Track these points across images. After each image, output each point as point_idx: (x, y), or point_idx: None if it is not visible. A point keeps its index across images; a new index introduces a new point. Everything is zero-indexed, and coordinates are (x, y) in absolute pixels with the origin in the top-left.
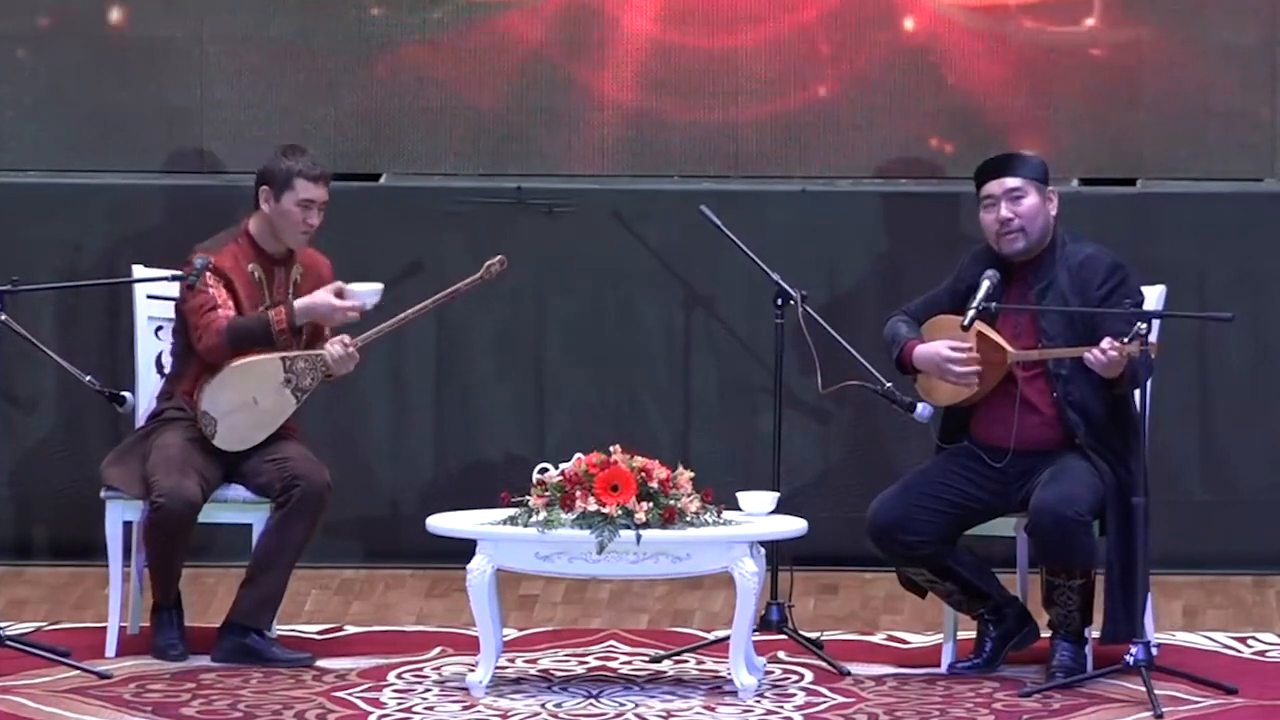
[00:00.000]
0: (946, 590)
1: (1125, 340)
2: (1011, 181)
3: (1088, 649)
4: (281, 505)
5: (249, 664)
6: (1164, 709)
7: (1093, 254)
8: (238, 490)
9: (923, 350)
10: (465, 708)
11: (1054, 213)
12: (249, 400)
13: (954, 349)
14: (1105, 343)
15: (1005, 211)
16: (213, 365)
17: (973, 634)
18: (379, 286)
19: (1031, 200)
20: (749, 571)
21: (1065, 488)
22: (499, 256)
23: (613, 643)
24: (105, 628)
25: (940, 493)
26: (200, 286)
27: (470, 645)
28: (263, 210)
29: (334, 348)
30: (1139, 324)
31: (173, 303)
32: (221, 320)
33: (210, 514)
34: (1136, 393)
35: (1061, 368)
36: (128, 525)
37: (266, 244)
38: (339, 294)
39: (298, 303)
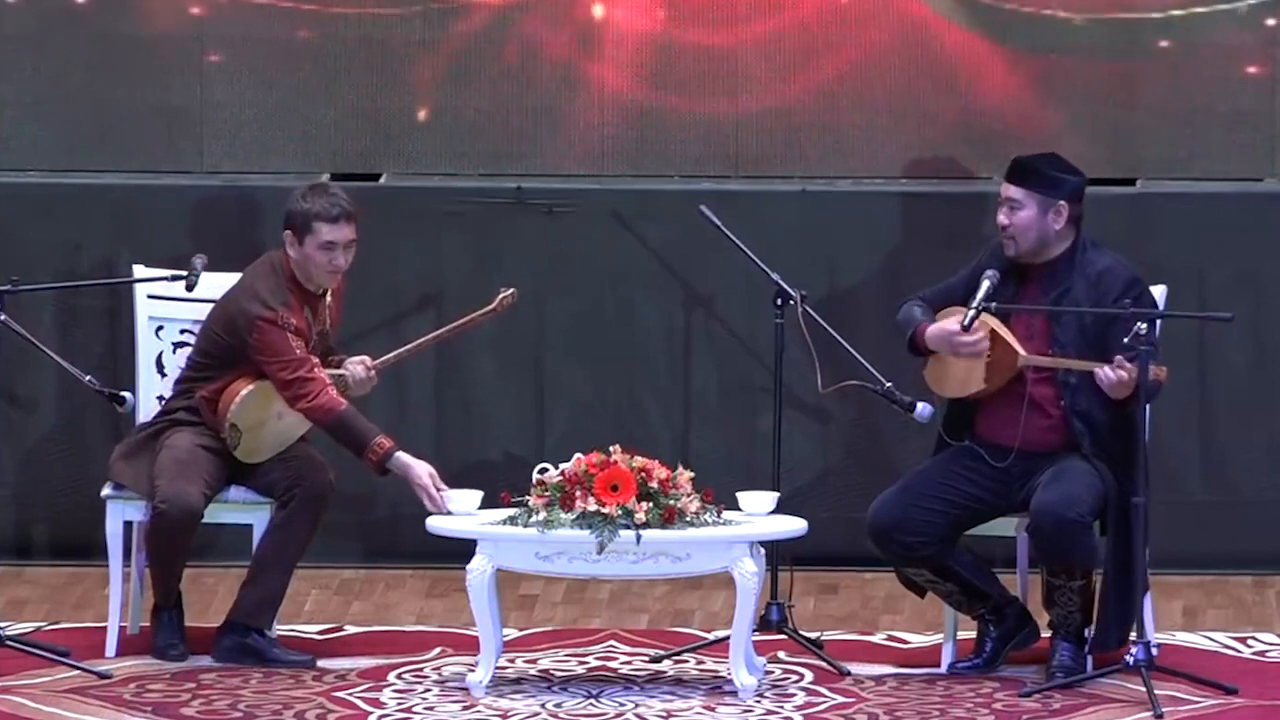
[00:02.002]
0: (946, 590)
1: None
2: (1013, 191)
3: (1087, 649)
4: (285, 504)
5: (249, 663)
6: (1164, 709)
7: (1110, 266)
8: (239, 491)
9: (934, 329)
10: (465, 708)
11: (1057, 226)
12: (273, 414)
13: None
14: (1117, 360)
15: (1002, 217)
16: (246, 377)
17: (973, 634)
18: (477, 498)
19: (1026, 213)
20: (749, 571)
21: (1066, 489)
22: (511, 290)
23: (613, 643)
24: (105, 628)
25: (940, 493)
26: (284, 340)
27: (470, 645)
28: (290, 253)
29: (356, 369)
30: (1139, 325)
31: (173, 302)
32: (339, 403)
33: (211, 514)
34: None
35: (1071, 376)
36: (128, 525)
37: (307, 284)
38: (434, 481)
39: (398, 457)
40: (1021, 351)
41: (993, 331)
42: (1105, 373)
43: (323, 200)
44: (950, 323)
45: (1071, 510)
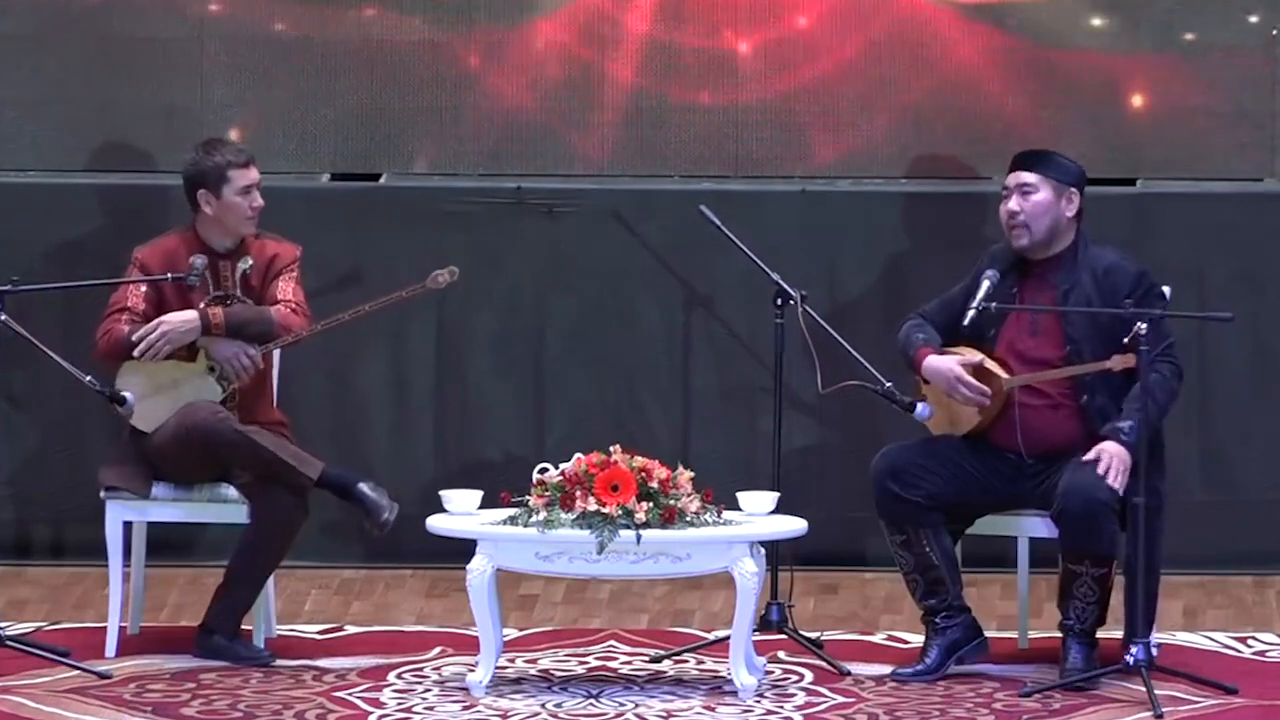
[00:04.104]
0: (908, 567)
1: (1131, 356)
2: (1026, 176)
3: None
4: (256, 522)
5: (216, 661)
6: (1164, 709)
7: (1117, 261)
8: (232, 490)
9: (933, 363)
10: (465, 708)
11: (1070, 214)
12: (168, 382)
13: (966, 365)
14: (1090, 368)
15: (1013, 204)
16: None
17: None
18: (477, 498)
19: (1041, 197)
20: (749, 571)
21: (1094, 473)
22: (450, 267)
23: (613, 643)
24: (105, 628)
25: (955, 459)
26: (124, 285)
27: (470, 645)
28: (205, 212)
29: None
30: (1138, 325)
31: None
32: (120, 332)
33: (208, 514)
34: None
35: (1085, 375)
36: (128, 525)
37: (212, 239)
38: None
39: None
40: (1005, 376)
41: (978, 365)
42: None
43: (226, 151)
44: (951, 362)
45: (1100, 491)
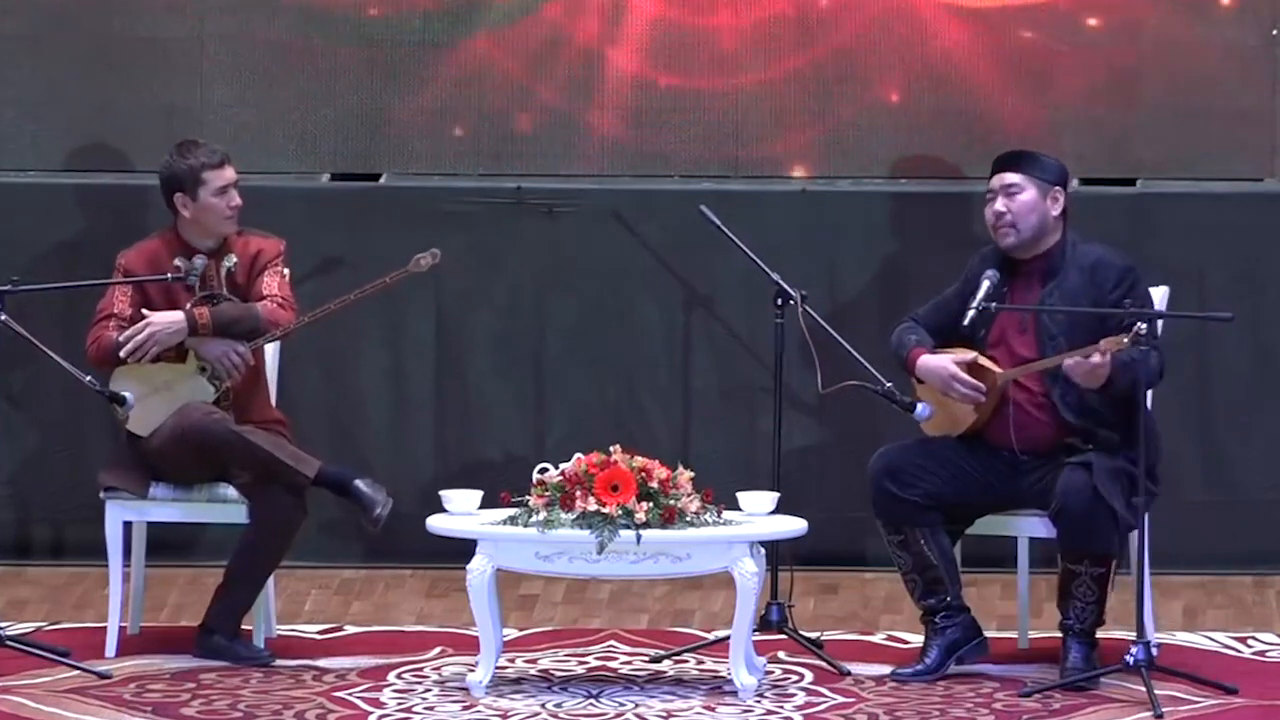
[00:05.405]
0: (906, 567)
1: (1122, 337)
2: (1009, 177)
3: (1096, 651)
4: (255, 522)
5: (216, 661)
6: (1164, 709)
7: (1104, 256)
8: (231, 490)
9: (927, 362)
10: (465, 708)
11: (1055, 212)
12: (161, 384)
13: (960, 362)
14: (1079, 354)
15: (999, 205)
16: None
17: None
18: (477, 498)
19: (1026, 196)
20: (749, 571)
21: (1094, 472)
22: (432, 250)
23: (613, 643)
24: (105, 628)
25: (953, 459)
26: (110, 288)
27: (470, 645)
28: (184, 215)
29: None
30: (1138, 325)
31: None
32: (109, 339)
33: (207, 514)
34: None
35: (1055, 370)
36: (128, 525)
37: (194, 240)
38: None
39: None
40: (997, 370)
41: (971, 363)
42: (1071, 362)
43: (199, 153)
44: (945, 360)
45: (1100, 489)
